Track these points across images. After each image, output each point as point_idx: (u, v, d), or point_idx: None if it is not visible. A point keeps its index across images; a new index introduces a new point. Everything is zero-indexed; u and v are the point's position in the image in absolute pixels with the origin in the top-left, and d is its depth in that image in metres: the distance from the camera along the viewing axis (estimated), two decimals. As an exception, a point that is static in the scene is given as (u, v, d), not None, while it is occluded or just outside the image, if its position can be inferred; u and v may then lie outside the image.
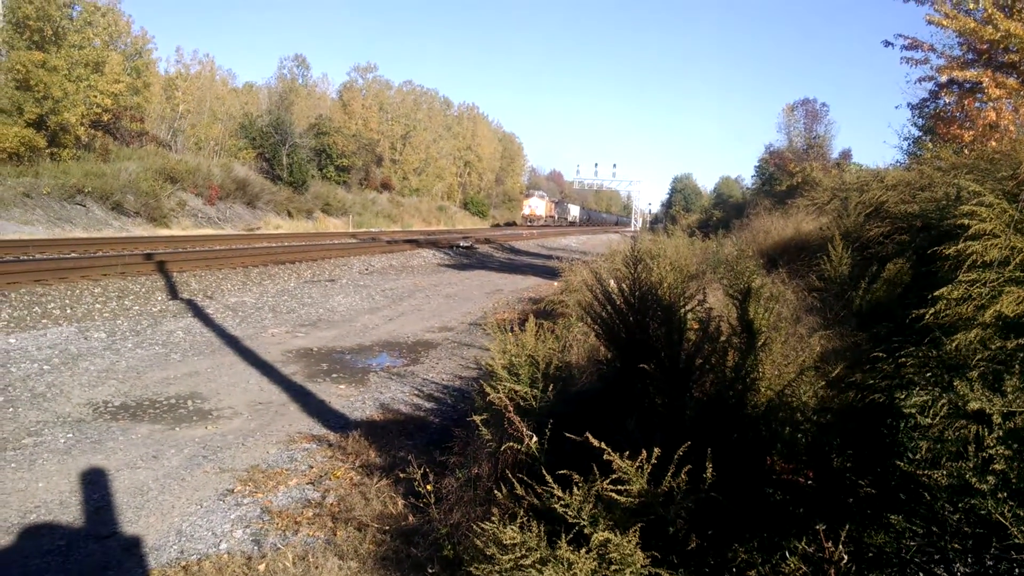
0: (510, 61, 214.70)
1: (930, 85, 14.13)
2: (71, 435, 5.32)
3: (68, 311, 9.64)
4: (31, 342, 7.98)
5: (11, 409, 5.81)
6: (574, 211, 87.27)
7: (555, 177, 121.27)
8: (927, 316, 3.20)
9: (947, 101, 13.88)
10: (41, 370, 7.00)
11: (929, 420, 2.44)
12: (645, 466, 2.39)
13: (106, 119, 31.77)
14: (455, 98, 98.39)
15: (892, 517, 2.25)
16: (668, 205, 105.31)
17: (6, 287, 10.34)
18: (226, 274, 14.39)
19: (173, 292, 11.89)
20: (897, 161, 17.34)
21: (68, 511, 4.08)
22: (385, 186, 61.30)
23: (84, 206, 25.99)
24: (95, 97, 29.54)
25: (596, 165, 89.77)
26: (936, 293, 3.20)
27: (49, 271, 11.71)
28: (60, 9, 28.62)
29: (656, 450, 2.40)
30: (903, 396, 2.61)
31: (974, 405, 2.31)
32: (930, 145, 14.11)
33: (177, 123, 41.76)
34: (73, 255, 15.68)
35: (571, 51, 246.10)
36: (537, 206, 69.19)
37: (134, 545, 3.73)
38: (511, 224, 69.26)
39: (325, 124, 52.35)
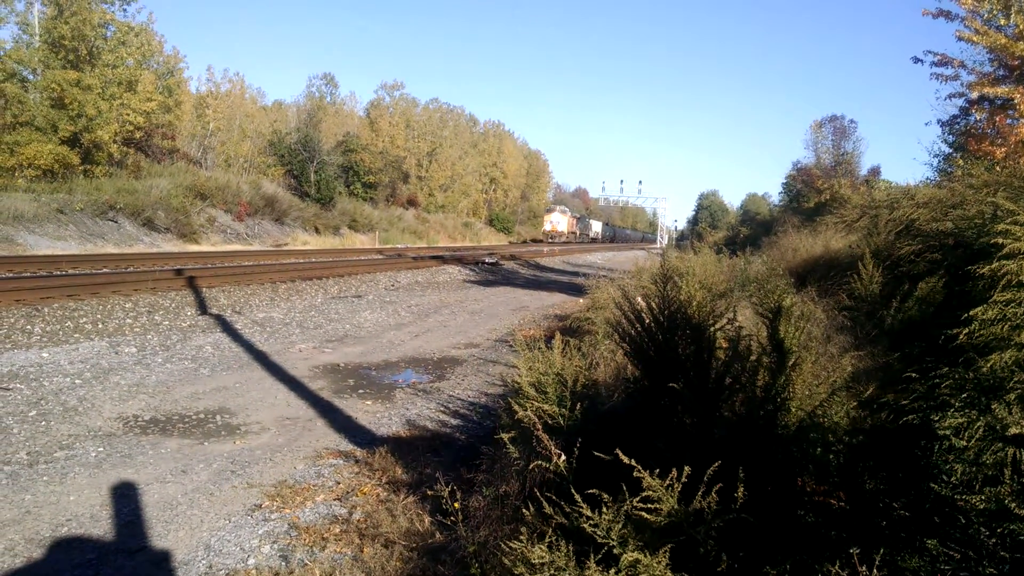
0: (537, 79, 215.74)
1: (960, 101, 14.04)
2: (102, 449, 5.38)
3: (100, 326, 9.78)
4: (63, 356, 8.09)
5: (43, 423, 5.89)
6: (596, 227, 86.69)
7: (580, 194, 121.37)
8: (961, 336, 3.15)
9: (978, 117, 13.76)
10: (73, 384, 7.10)
11: (965, 443, 2.40)
12: (675, 485, 2.37)
13: (138, 137, 32.33)
14: (481, 115, 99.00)
15: (928, 541, 2.22)
16: (694, 222, 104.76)
17: (40, 302, 10.52)
18: (254, 289, 14.53)
19: (202, 307, 12.02)
20: (927, 178, 17.18)
21: (99, 525, 4.12)
22: (411, 202, 61.68)
23: (116, 222, 26.41)
24: (128, 115, 30.08)
25: (622, 182, 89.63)
26: (970, 313, 3.15)
27: (81, 286, 11.90)
28: (95, 29, 29.21)
29: (686, 469, 2.38)
30: (938, 418, 2.57)
31: (1014, 430, 2.27)
32: (961, 162, 13.95)
33: (207, 140, 42.39)
34: (105, 270, 15.93)
35: (598, 69, 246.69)
36: (559, 222, 68.30)
37: (163, 559, 3.75)
38: (537, 241, 69.01)
39: (352, 141, 52.85)
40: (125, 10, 32.01)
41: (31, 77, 28.55)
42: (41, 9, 29.06)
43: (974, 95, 13.26)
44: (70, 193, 25.92)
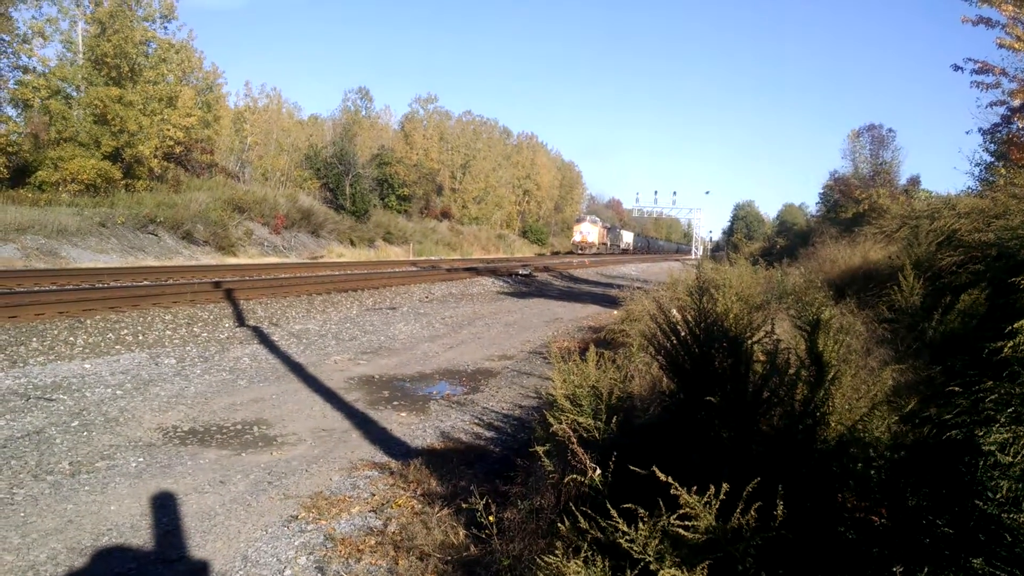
0: (571, 91, 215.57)
1: (1002, 110, 13.82)
2: (142, 459, 5.46)
3: (140, 337, 9.94)
4: (105, 367, 8.24)
5: (85, 433, 5.99)
6: (627, 238, 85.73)
7: (614, 205, 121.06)
8: (1005, 349, 3.09)
9: (1020, 126, 13.52)
10: (114, 395, 7.22)
11: (1011, 459, 2.35)
12: (713, 502, 2.34)
13: (178, 151, 32.97)
14: (515, 127, 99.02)
15: (973, 560, 2.16)
16: (730, 233, 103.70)
17: (82, 314, 10.73)
18: (291, 302, 14.68)
19: (240, 319, 12.17)
20: (969, 188, 16.88)
21: (139, 534, 4.17)
22: (445, 215, 62.07)
23: (156, 235, 26.90)
24: (168, 130, 30.70)
25: (656, 193, 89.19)
26: (1015, 326, 3.09)
27: (122, 298, 12.12)
28: (136, 47, 29.89)
29: (724, 486, 2.35)
30: (982, 433, 2.51)
31: (1062, 446, 2.21)
32: (1003, 171, 13.69)
33: (245, 154, 43.07)
34: (145, 283, 16.21)
35: (633, 79, 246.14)
36: (589, 232, 66.99)
37: (201, 570, 3.79)
38: (570, 252, 68.58)
39: (387, 154, 53.37)
40: (166, 28, 32.88)
41: (75, 94, 29.30)
42: (84, 27, 29.81)
43: (1016, 103, 13.03)
44: (112, 207, 26.50)
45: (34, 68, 28.96)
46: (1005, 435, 2.43)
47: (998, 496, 2.29)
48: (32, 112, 28.92)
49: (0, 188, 25.29)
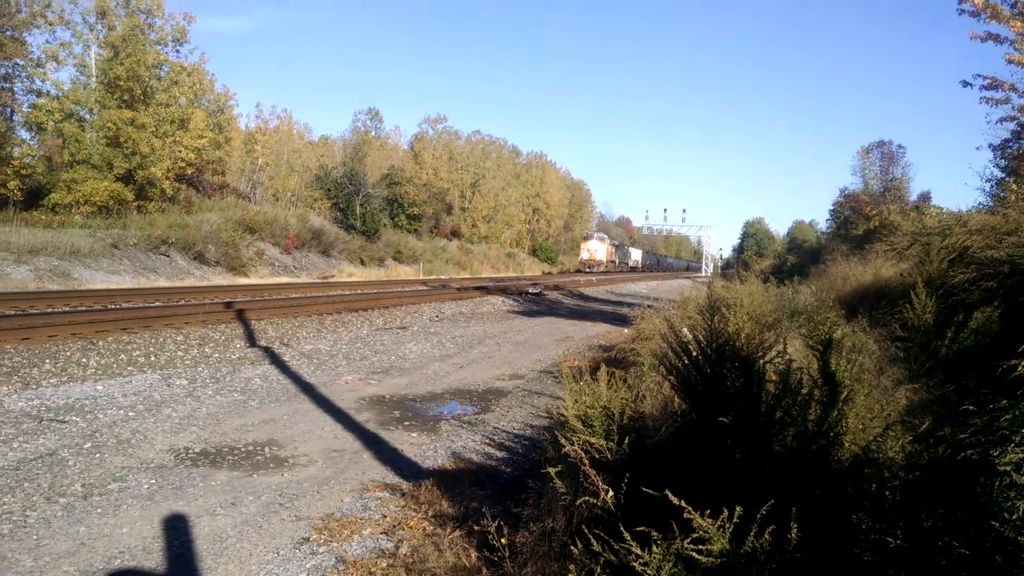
0: (580, 109, 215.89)
1: (1012, 125, 13.75)
2: (154, 481, 5.47)
3: (152, 359, 9.97)
4: (117, 389, 8.27)
5: (98, 455, 6.01)
6: (636, 255, 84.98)
7: (624, 223, 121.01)
8: (1019, 368, 3.07)
9: (1030, 141, 13.46)
10: (127, 416, 7.24)
11: (1027, 479, 2.33)
12: (726, 525, 2.33)
13: (190, 173, 33.30)
14: (524, 146, 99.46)
15: (991, 582, 2.14)
16: (740, 250, 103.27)
17: (95, 335, 10.78)
18: (302, 322, 14.72)
19: (251, 340, 12.20)
20: (980, 204, 16.79)
21: (150, 557, 4.17)
22: (455, 233, 62.28)
23: (168, 256, 27.09)
24: (180, 152, 31.04)
25: (665, 211, 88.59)
26: (1029, 344, 3.07)
27: (135, 319, 12.18)
28: (149, 70, 30.24)
29: (738, 509, 2.34)
30: (997, 453, 2.49)
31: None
32: (1015, 187, 13.63)
33: (256, 175, 43.44)
34: (157, 304, 16.29)
35: (641, 98, 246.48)
36: (597, 250, 65.78)
37: (214, 592, 3.79)
38: (578, 271, 68.24)
39: (397, 174, 53.70)
40: (178, 51, 33.31)
41: (88, 117, 29.64)
42: (98, 51, 30.20)
43: (1026, 118, 13.00)
44: (124, 228, 26.75)
45: (48, 92, 29.45)
46: (1020, 455, 2.41)
47: (1014, 517, 2.27)
48: (46, 135, 29.33)
49: (14, 210, 25.56)
